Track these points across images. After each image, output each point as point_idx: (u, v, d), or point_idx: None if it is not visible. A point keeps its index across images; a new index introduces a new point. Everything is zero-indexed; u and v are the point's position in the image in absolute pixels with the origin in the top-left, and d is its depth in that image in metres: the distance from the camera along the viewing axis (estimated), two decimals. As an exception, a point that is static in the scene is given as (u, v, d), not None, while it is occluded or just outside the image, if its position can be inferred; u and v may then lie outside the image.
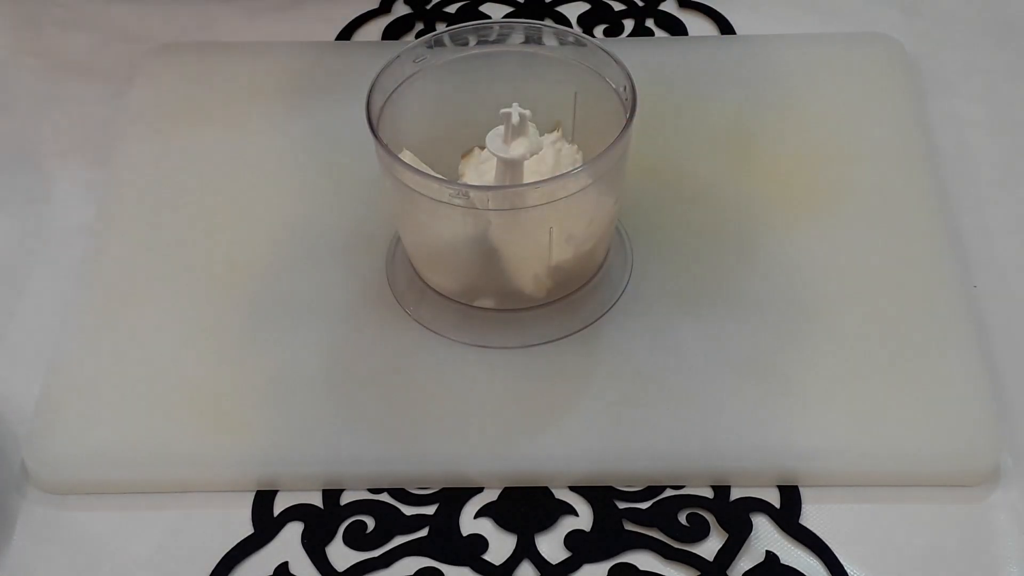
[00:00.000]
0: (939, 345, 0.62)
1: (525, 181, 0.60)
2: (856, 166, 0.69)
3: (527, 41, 0.64)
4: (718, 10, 0.79)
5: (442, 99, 0.64)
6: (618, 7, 0.80)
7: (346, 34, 0.79)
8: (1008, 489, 0.59)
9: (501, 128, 0.59)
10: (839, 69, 0.74)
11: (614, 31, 0.79)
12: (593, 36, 0.77)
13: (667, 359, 0.62)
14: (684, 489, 0.59)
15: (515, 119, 0.59)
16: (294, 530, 0.58)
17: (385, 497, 0.59)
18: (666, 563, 0.57)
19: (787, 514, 0.58)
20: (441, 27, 0.75)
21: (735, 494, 0.59)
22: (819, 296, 0.64)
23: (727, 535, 0.57)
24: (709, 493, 0.59)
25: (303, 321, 0.64)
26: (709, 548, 0.57)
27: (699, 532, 0.58)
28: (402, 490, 0.59)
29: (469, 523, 0.58)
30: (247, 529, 0.58)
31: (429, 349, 0.63)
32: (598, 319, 0.63)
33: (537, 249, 0.60)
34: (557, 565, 0.57)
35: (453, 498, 0.59)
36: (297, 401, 0.61)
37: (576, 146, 0.64)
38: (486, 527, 0.58)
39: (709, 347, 0.62)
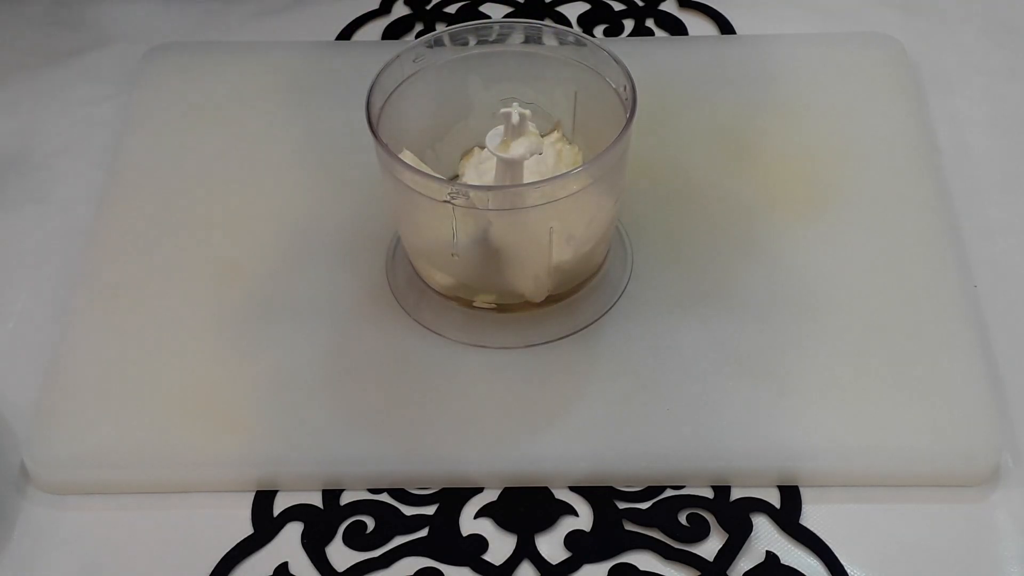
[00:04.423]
0: (939, 345, 0.62)
1: (525, 181, 0.60)
2: (856, 166, 0.69)
3: (527, 41, 0.64)
4: (718, 10, 0.79)
5: (442, 99, 0.64)
6: (618, 7, 0.80)
7: (346, 34, 0.79)
8: (1008, 489, 0.59)
9: (501, 128, 0.59)
10: (839, 69, 0.74)
11: (614, 31, 0.79)
12: (593, 36, 0.77)
13: (667, 359, 0.62)
14: (684, 489, 0.59)
15: (515, 119, 0.59)
16: (294, 530, 0.58)
17: (385, 497, 0.59)
18: (666, 563, 0.57)
19: (787, 514, 0.58)
20: (441, 27, 0.75)
21: (735, 494, 0.59)
22: (819, 296, 0.64)
23: (727, 535, 0.57)
24: (709, 493, 0.59)
25: (303, 321, 0.64)
26: (709, 548, 0.57)
27: (699, 532, 0.58)
28: (402, 490, 0.59)
29: (469, 523, 0.58)
30: (247, 529, 0.58)
31: (429, 349, 0.63)
32: (598, 319, 0.63)
33: (537, 249, 0.60)
34: (557, 565, 0.57)
35: (453, 498, 0.59)
36: (297, 401, 0.61)
37: (576, 146, 0.64)
38: (486, 527, 0.58)
39: (709, 347, 0.62)
